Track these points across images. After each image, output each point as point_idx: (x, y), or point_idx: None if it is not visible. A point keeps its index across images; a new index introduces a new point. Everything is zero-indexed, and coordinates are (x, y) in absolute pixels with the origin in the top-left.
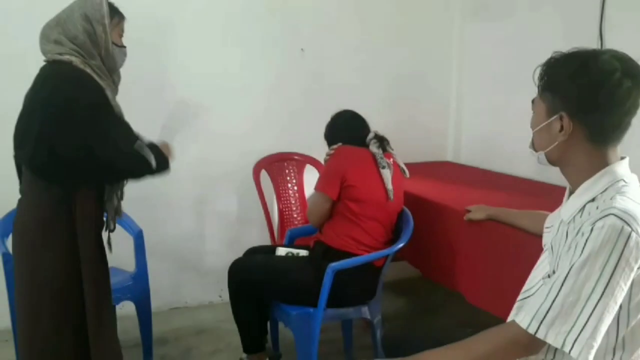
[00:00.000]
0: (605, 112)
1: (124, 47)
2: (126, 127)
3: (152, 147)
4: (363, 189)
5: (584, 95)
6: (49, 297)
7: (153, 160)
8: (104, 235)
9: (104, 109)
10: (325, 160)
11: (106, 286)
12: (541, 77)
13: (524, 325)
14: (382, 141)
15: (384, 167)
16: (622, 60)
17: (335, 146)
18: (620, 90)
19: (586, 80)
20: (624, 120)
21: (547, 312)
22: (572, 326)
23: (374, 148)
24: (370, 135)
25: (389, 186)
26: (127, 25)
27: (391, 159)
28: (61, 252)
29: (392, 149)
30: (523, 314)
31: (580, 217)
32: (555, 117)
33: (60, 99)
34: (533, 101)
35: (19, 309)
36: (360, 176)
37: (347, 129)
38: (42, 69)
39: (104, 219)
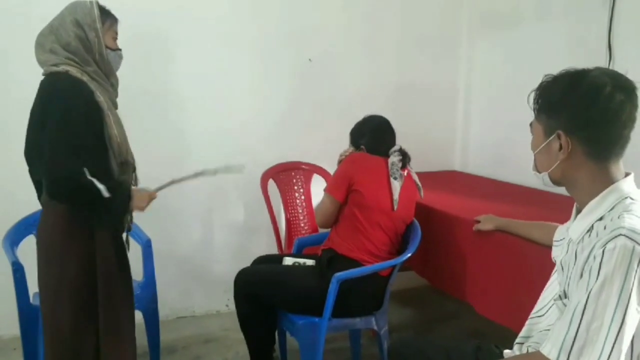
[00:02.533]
0: (601, 126)
1: (119, 49)
2: (90, 147)
3: (122, 186)
4: (369, 195)
5: (577, 111)
6: (71, 303)
7: (105, 192)
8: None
9: (80, 120)
10: (339, 161)
11: (127, 292)
12: (535, 101)
13: (552, 357)
14: (404, 156)
15: (395, 178)
16: (612, 75)
17: (350, 149)
18: (613, 103)
19: (578, 96)
20: (622, 134)
21: (574, 342)
22: (600, 353)
23: (394, 158)
24: (396, 147)
25: (395, 196)
26: (139, 35)
27: (406, 172)
28: (85, 259)
29: (411, 167)
30: (549, 346)
31: (589, 236)
32: (552, 136)
33: (56, 112)
34: (531, 124)
35: (45, 316)
36: (368, 183)
37: (373, 135)
38: (42, 83)
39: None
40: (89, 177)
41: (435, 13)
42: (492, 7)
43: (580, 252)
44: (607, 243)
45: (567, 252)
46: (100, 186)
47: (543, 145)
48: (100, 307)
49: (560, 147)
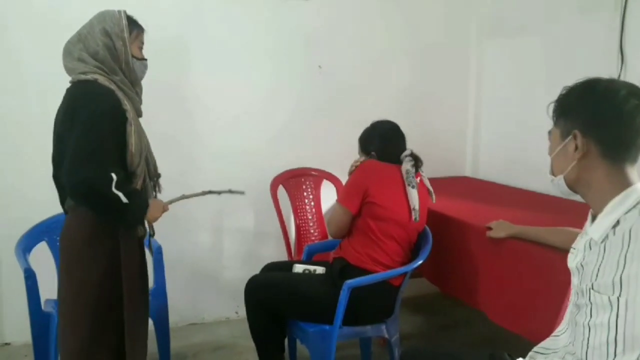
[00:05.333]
0: (616, 126)
1: (145, 59)
2: (111, 156)
3: (140, 194)
4: (385, 207)
5: (593, 111)
6: (91, 309)
7: (123, 198)
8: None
9: (106, 128)
10: (350, 172)
11: (145, 301)
12: (554, 110)
13: None
14: (416, 160)
15: (413, 187)
16: (626, 83)
17: (361, 159)
18: (628, 106)
19: (594, 98)
20: (636, 139)
21: None
22: None
23: (407, 165)
24: (407, 152)
25: (416, 206)
26: (152, 43)
27: (419, 179)
28: (108, 265)
29: (423, 171)
30: None
31: (616, 233)
32: (569, 138)
33: (83, 119)
34: (549, 132)
35: (61, 321)
36: (383, 194)
37: (382, 140)
38: (69, 90)
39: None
40: (108, 184)
41: (444, 20)
42: (501, 13)
43: (610, 246)
44: None
45: (589, 251)
46: (118, 193)
47: (560, 147)
48: (125, 314)
49: (576, 148)
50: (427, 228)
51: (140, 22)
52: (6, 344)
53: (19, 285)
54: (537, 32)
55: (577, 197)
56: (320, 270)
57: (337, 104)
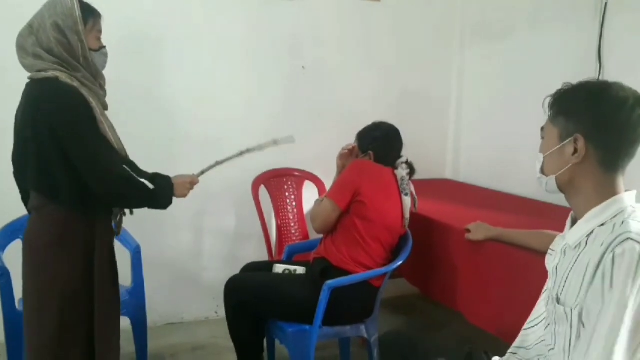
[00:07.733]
0: (619, 136)
1: (104, 47)
2: (111, 148)
3: (159, 177)
4: (374, 208)
5: (601, 117)
6: (59, 310)
7: (148, 185)
8: None
9: (91, 127)
10: (341, 155)
11: (116, 301)
12: (552, 105)
13: None
14: (411, 169)
15: (406, 194)
16: (632, 91)
17: (350, 144)
18: (634, 116)
19: (602, 104)
20: (633, 148)
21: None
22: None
23: (402, 172)
24: (403, 159)
25: (407, 214)
26: (132, 41)
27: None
28: (79, 266)
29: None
30: None
31: (588, 243)
32: (569, 140)
33: (51, 119)
34: (542, 128)
35: (27, 322)
36: (373, 195)
37: (385, 141)
38: (29, 88)
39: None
40: (131, 176)
41: (427, 24)
42: (484, 18)
43: (583, 257)
44: (615, 248)
45: (563, 257)
46: (144, 180)
47: (556, 147)
48: (95, 316)
49: (575, 151)
50: (408, 230)
51: (121, 13)
52: None
53: None
54: (519, 37)
55: (557, 199)
56: (300, 270)
57: (320, 105)
